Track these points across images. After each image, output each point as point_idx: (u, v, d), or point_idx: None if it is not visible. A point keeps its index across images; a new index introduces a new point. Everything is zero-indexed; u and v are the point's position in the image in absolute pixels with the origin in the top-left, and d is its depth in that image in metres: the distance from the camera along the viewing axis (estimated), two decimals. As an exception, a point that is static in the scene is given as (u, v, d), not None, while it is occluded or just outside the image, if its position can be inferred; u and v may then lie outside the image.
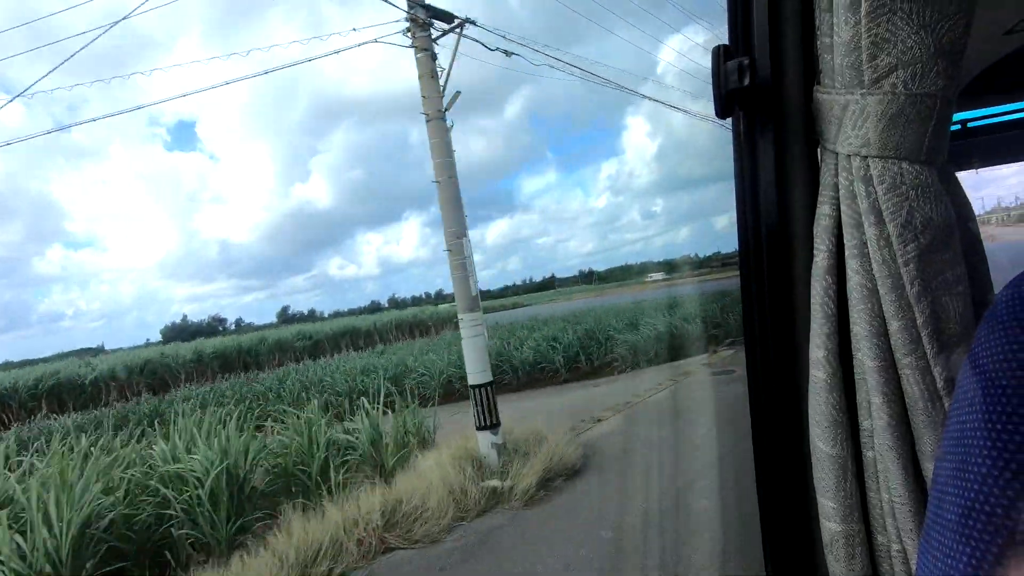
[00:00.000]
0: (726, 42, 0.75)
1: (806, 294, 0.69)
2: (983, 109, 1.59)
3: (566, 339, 14.10)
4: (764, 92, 0.70)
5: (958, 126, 1.61)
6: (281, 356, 22.78)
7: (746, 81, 0.69)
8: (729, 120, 0.76)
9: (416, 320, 30.84)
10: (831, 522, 0.67)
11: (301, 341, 24.48)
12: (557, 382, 12.65)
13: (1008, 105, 1.57)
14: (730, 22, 0.74)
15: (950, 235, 0.59)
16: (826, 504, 0.68)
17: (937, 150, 0.59)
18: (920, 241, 0.58)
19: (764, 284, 0.74)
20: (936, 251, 0.59)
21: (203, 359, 21.32)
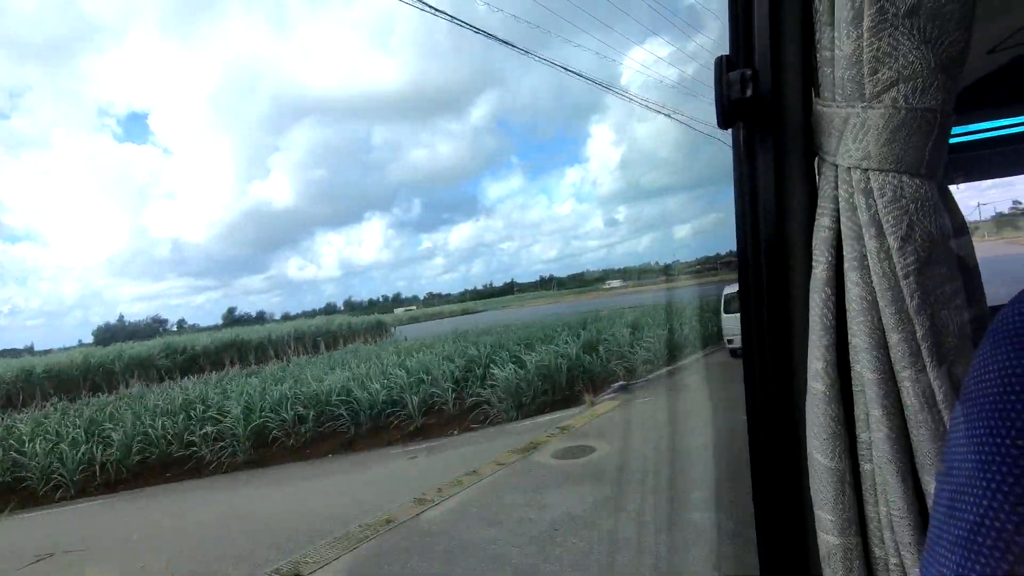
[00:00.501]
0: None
1: (804, 306, 0.69)
2: (965, 126, 1.64)
3: (445, 368, 10.83)
4: (765, 104, 0.70)
5: None
6: (141, 374, 18.91)
7: (748, 92, 0.69)
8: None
9: (341, 329, 27.95)
10: (828, 535, 0.67)
11: (168, 357, 20.63)
12: (403, 435, 8.87)
13: (990, 122, 1.63)
14: (731, 33, 0.74)
15: (948, 249, 0.60)
16: (823, 517, 0.67)
17: (936, 164, 0.60)
18: (920, 254, 0.59)
19: (763, 295, 0.74)
20: (935, 264, 0.59)
21: (33, 378, 16.59)
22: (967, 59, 0.58)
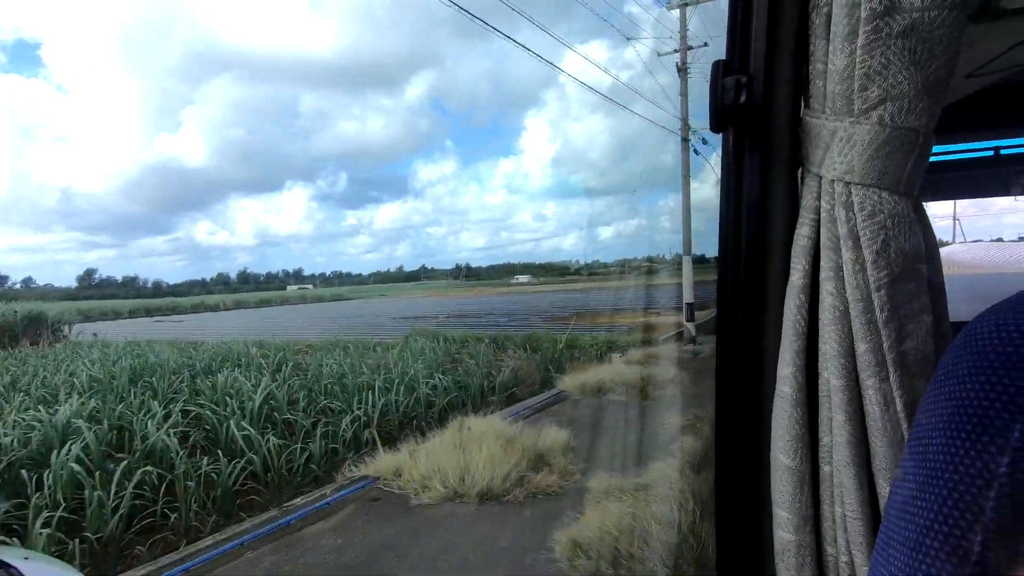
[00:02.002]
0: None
1: (778, 312, 0.71)
2: (938, 147, 1.69)
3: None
4: (756, 111, 0.71)
5: None
6: None
7: (742, 98, 0.70)
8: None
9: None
10: (785, 532, 0.70)
11: None
12: None
13: (960, 145, 1.70)
14: (728, 38, 0.75)
15: (919, 265, 0.63)
16: (781, 514, 0.70)
17: (914, 182, 0.63)
18: (892, 269, 0.61)
19: (739, 299, 0.76)
20: (906, 280, 0.62)
21: None
22: (950, 83, 0.61)
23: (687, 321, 14.38)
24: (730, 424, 0.79)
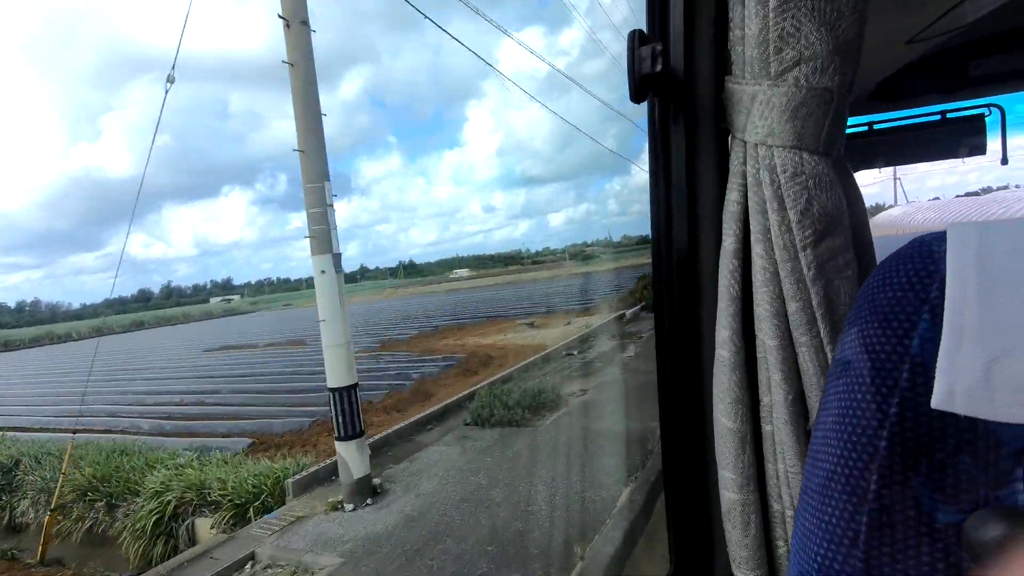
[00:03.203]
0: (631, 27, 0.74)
1: (714, 277, 0.71)
2: (888, 113, 1.78)
3: None
4: (677, 80, 0.71)
5: (865, 127, 1.79)
6: None
7: (659, 67, 0.70)
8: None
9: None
10: (729, 492, 0.71)
11: None
12: None
13: (909, 111, 1.77)
14: (648, 8, 0.74)
15: (842, 222, 0.64)
16: (726, 475, 0.71)
17: (833, 142, 0.63)
18: (816, 227, 0.62)
19: (673, 267, 0.76)
20: (830, 237, 0.63)
21: None
22: (862, 44, 0.62)
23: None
24: (673, 391, 0.80)
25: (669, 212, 0.76)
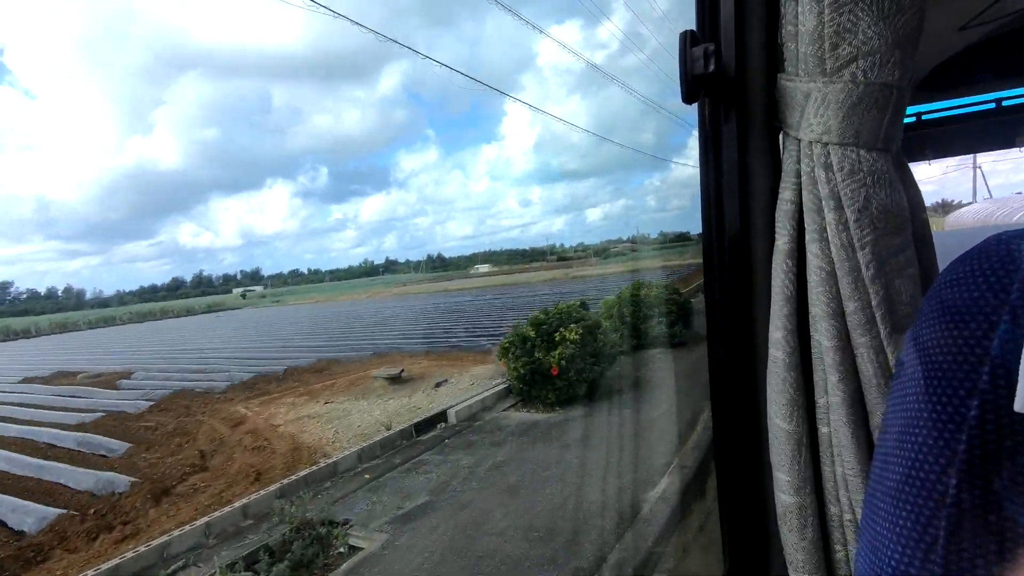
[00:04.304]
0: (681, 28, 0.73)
1: (766, 277, 0.70)
2: (937, 103, 1.67)
3: None
4: (729, 79, 0.70)
5: (913, 118, 1.69)
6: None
7: (711, 67, 0.69)
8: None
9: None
10: (785, 494, 0.70)
11: None
12: None
13: (960, 99, 1.65)
14: (697, 7, 0.74)
15: (902, 220, 0.63)
16: (781, 478, 0.70)
17: (892, 138, 0.62)
18: (875, 226, 0.61)
19: (726, 267, 0.75)
20: (889, 235, 0.62)
21: None
22: (920, 37, 0.60)
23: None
24: (725, 392, 0.79)
25: (720, 212, 0.75)
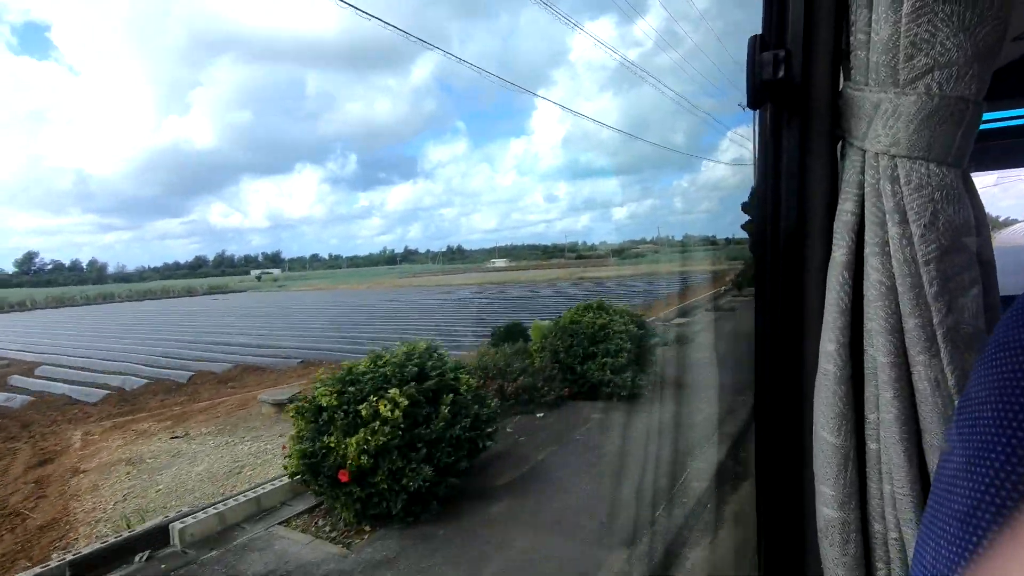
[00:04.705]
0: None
1: (820, 288, 0.69)
2: (990, 113, 1.60)
3: None
4: (795, 85, 0.69)
5: None
6: None
7: (780, 73, 0.68)
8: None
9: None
10: (828, 508, 0.69)
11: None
12: None
13: (1016, 110, 1.60)
14: (765, 11, 0.73)
15: (968, 238, 0.61)
16: (825, 491, 0.69)
17: (964, 153, 0.61)
18: (941, 242, 0.60)
19: (779, 275, 0.75)
20: (955, 253, 0.60)
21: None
22: (1001, 49, 0.59)
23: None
24: (770, 401, 0.78)
25: (776, 219, 0.74)
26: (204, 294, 56.88)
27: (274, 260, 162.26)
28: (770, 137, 0.73)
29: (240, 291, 59.03)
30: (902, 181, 0.60)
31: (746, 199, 0.87)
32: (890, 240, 0.61)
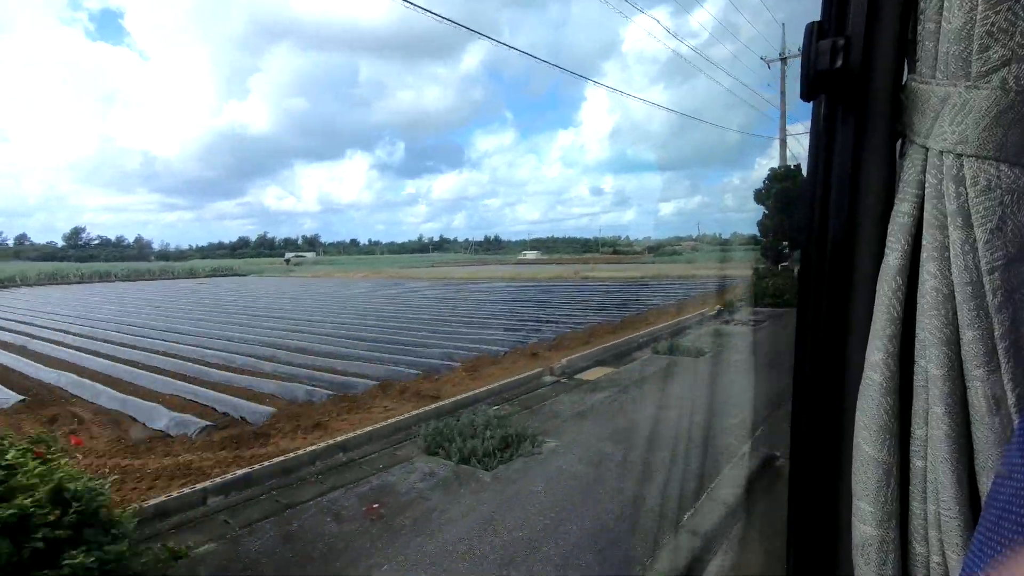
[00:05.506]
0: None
1: (870, 294, 0.66)
2: None
3: None
4: (853, 76, 0.65)
5: None
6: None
7: (838, 63, 0.64)
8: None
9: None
10: (866, 525, 0.66)
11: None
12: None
13: None
14: None
15: None
16: (863, 507, 0.66)
17: None
18: (1008, 249, 0.56)
19: (825, 278, 0.71)
20: (1022, 262, 0.57)
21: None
22: None
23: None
24: (809, 410, 0.75)
25: (826, 219, 0.70)
26: (206, 276, 54.32)
27: (311, 243, 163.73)
28: (823, 131, 0.70)
29: (243, 275, 56.08)
30: (968, 182, 0.57)
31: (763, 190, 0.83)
32: (950, 245, 0.58)
